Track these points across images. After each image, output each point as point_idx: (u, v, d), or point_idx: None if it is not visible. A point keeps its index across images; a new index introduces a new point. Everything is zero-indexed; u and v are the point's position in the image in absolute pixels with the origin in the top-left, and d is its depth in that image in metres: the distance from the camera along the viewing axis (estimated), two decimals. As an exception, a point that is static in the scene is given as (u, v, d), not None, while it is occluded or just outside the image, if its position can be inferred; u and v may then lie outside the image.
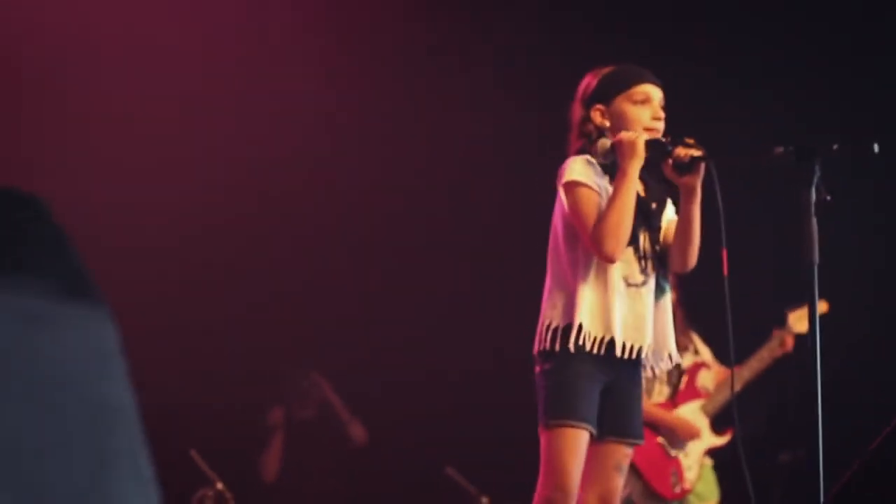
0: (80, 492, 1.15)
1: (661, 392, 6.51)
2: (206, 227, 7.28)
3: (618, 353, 4.07)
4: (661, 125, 4.18)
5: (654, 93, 4.22)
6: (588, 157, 4.16)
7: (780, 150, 3.89)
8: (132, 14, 7.15)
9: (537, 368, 4.14)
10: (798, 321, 6.49)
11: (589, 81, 4.28)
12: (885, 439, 3.87)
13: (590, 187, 4.09)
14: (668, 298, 4.25)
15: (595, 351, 4.04)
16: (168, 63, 7.17)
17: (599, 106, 4.21)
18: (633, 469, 6.41)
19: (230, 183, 7.28)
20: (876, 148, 3.79)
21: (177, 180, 7.15)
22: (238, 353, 7.33)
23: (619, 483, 4.25)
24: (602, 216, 4.05)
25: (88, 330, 1.22)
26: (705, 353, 6.64)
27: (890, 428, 3.90)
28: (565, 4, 7.62)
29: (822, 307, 6.39)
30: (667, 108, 4.23)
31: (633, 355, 4.11)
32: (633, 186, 4.08)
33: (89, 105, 7.05)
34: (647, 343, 4.14)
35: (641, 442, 4.32)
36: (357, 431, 7.38)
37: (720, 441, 6.50)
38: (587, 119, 4.23)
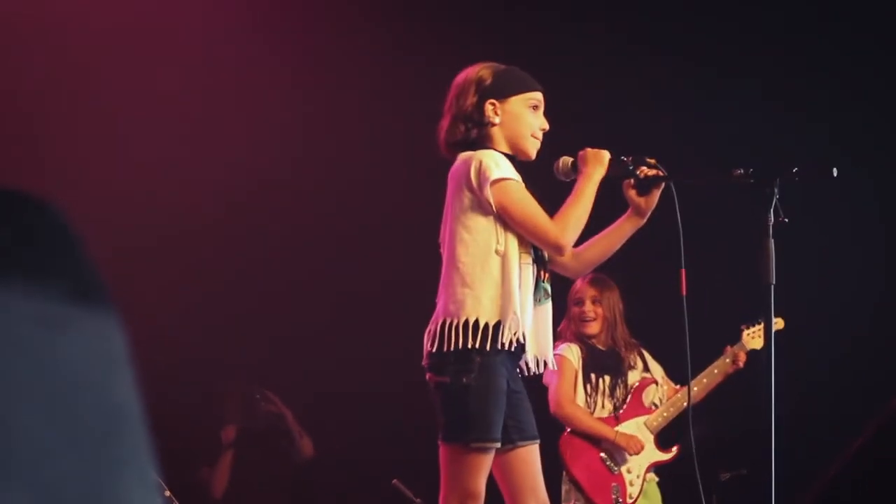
0: (91, 494, 1.16)
1: (604, 406, 6.53)
2: (164, 245, 7.30)
3: (522, 351, 4.09)
4: (540, 136, 4.21)
5: (542, 101, 4.25)
6: (493, 151, 4.16)
7: (740, 172, 3.94)
8: (138, 15, 7.16)
9: (446, 376, 4.08)
10: (751, 338, 6.52)
11: (481, 73, 4.27)
12: (836, 472, 3.92)
13: (519, 182, 4.11)
14: (549, 304, 4.28)
15: (511, 348, 4.05)
16: (166, 64, 7.17)
17: (494, 101, 4.21)
18: (575, 483, 6.43)
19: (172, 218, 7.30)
20: (835, 172, 3.84)
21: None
22: (190, 367, 7.33)
23: (543, 482, 4.28)
24: (566, 209, 4.08)
25: (100, 335, 1.22)
26: (656, 371, 6.67)
27: (837, 464, 3.94)
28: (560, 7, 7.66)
29: (778, 324, 6.50)
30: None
31: (527, 355, 4.14)
32: (595, 191, 4.11)
33: (87, 109, 7.04)
34: (534, 345, 4.19)
35: (539, 439, 4.34)
36: (306, 444, 7.39)
37: (665, 457, 6.53)
38: (480, 110, 4.20)
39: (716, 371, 6.55)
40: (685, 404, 6.40)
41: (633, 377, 6.60)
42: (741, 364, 6.53)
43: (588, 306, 6.54)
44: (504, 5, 7.89)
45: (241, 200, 7.64)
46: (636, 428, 6.52)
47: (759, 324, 6.46)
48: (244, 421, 7.42)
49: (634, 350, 6.64)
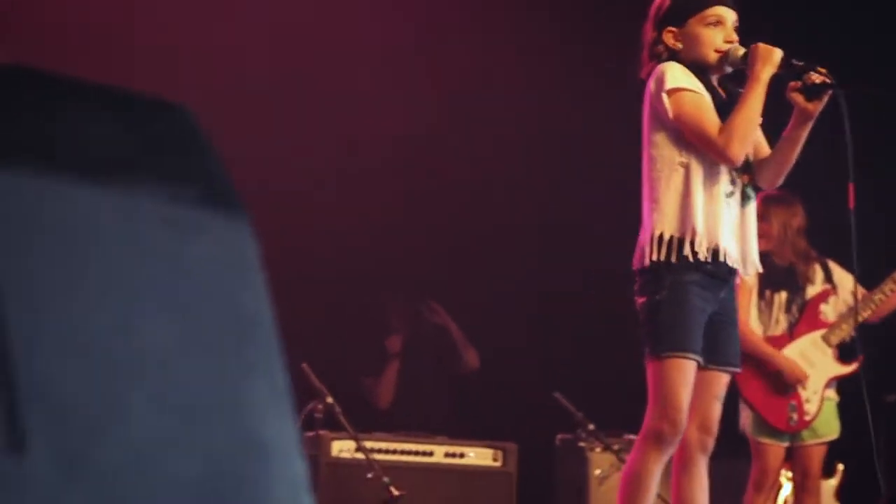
0: (219, 400, 1.16)
1: (779, 322, 6.38)
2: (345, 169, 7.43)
3: (723, 260, 4.05)
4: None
5: (728, 15, 4.17)
6: (676, 63, 4.13)
7: (909, 92, 3.84)
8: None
9: (643, 295, 4.09)
10: None
11: (661, 2, 4.24)
12: None
13: (696, 91, 4.06)
14: (754, 206, 4.22)
15: (706, 259, 4.02)
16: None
17: (672, 28, 4.18)
18: (746, 402, 6.32)
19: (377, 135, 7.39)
20: None
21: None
22: (358, 277, 7.42)
23: (719, 411, 4.24)
24: (731, 119, 4.02)
25: (230, 238, 1.22)
26: (845, 281, 6.40)
27: None
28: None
29: None
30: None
31: (734, 265, 4.10)
32: (764, 93, 4.04)
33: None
34: (738, 251, 4.14)
35: (739, 369, 4.30)
36: (471, 356, 7.42)
37: (845, 370, 6.30)
38: (659, 41, 4.19)
39: None
40: (867, 314, 6.21)
41: (812, 291, 6.42)
42: None
43: (773, 223, 6.39)
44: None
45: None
46: (811, 343, 6.32)
47: None
48: (410, 331, 7.46)
49: (816, 263, 6.43)
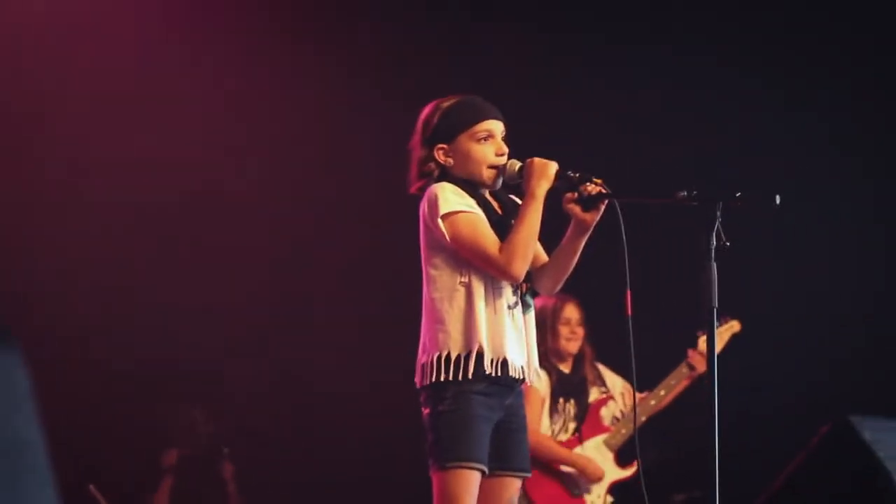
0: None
1: (568, 429, 6.48)
2: (107, 261, 7.28)
3: (510, 373, 4.08)
4: (504, 160, 4.21)
5: (497, 127, 4.25)
6: (447, 183, 4.16)
7: (683, 194, 3.94)
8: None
9: (427, 407, 4.11)
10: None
11: (429, 118, 4.29)
12: (778, 487, 3.90)
13: (470, 211, 4.10)
14: (532, 313, 4.27)
15: (493, 374, 4.04)
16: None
17: (442, 145, 4.22)
18: (535, 509, 6.38)
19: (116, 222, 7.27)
20: (778, 200, 3.84)
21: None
22: (133, 389, 7.29)
23: None
24: (511, 237, 4.08)
25: (2, 373, 1.20)
26: (615, 384, 6.59)
27: (783, 476, 3.93)
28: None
29: (735, 327, 6.43)
30: (514, 140, 4.21)
31: (520, 375, 4.13)
32: (541, 208, 4.10)
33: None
34: (523, 359, 4.17)
35: (529, 474, 4.33)
36: (227, 469, 7.38)
37: (625, 474, 6.45)
38: (429, 158, 4.25)
39: (673, 382, 6.42)
40: (643, 419, 6.34)
41: (593, 395, 6.56)
42: (702, 369, 6.30)
43: (575, 326, 6.52)
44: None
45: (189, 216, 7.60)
46: (595, 448, 6.44)
47: (717, 326, 6.17)
48: (186, 444, 7.35)
49: (594, 367, 6.60)
